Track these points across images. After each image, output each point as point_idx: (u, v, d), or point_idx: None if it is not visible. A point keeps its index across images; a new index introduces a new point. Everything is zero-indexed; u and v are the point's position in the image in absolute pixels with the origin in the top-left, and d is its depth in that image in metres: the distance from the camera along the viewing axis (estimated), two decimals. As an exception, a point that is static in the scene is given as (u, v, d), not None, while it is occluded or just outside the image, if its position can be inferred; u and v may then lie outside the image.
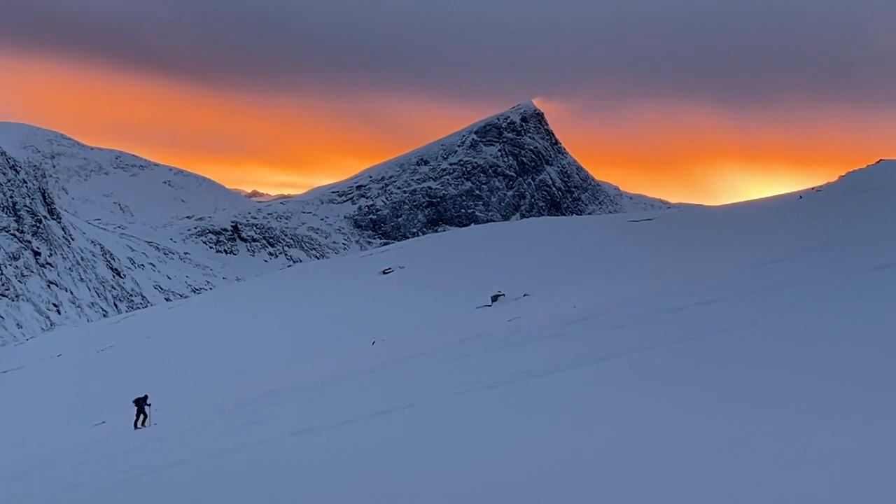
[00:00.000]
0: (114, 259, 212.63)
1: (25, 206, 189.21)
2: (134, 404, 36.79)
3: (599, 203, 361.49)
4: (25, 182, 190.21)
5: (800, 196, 71.69)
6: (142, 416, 36.28)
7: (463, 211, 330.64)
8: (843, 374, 11.96)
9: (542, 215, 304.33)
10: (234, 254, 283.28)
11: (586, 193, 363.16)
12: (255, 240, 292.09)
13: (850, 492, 7.86)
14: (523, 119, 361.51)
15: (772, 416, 10.48)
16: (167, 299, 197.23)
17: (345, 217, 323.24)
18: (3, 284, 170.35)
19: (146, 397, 36.88)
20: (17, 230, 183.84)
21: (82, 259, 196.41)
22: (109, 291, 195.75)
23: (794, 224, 53.82)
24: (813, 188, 75.96)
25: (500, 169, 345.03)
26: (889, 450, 8.55)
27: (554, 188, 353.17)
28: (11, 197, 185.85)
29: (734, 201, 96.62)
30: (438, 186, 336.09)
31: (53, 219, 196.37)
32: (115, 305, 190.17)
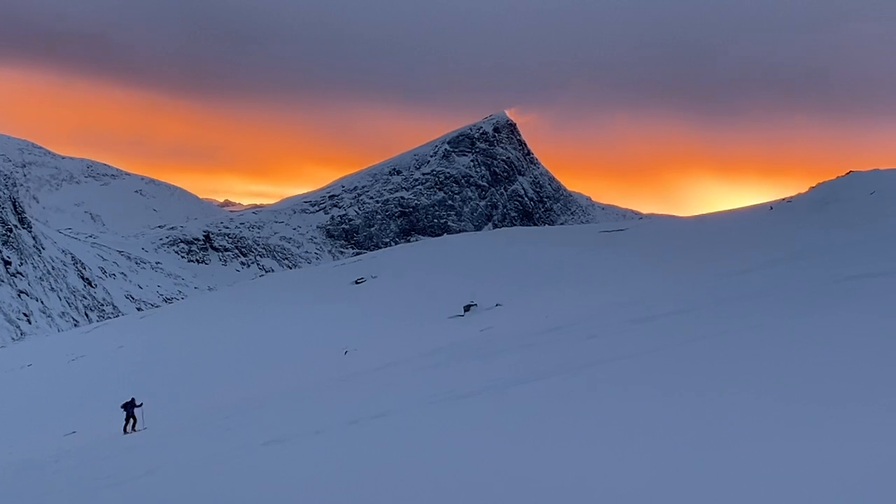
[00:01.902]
0: (85, 268, 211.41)
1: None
2: (122, 409, 36.59)
3: (571, 213, 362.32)
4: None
5: (770, 207, 72.12)
6: (132, 421, 36.10)
7: (435, 221, 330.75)
8: (813, 383, 12.06)
9: (515, 225, 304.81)
10: (206, 263, 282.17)
11: (558, 204, 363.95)
12: (227, 249, 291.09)
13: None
14: (496, 129, 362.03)
15: (744, 425, 10.55)
16: (139, 309, 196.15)
17: (317, 227, 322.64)
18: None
19: (133, 401, 36.68)
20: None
21: (53, 268, 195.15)
22: (80, 301, 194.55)
23: (765, 235, 54.14)
24: (783, 199, 76.42)
25: (472, 179, 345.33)
26: (861, 458, 8.64)
27: (526, 198, 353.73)
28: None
29: (705, 212, 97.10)
30: (411, 196, 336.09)
31: (24, 228, 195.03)
32: (87, 315, 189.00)
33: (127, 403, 36.45)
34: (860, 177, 70.47)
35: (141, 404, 36.92)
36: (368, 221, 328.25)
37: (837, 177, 75.20)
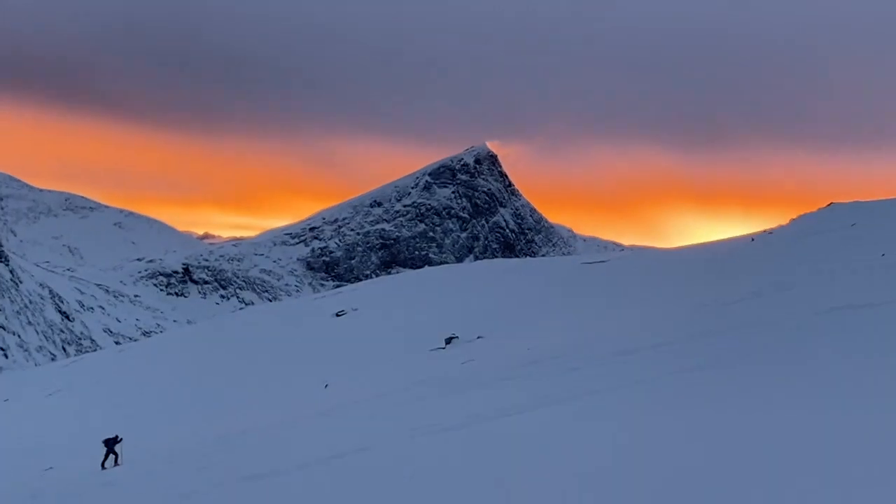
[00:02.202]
0: (63, 302, 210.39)
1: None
2: (104, 444, 36.34)
3: (553, 245, 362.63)
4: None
5: (752, 238, 72.32)
6: (111, 456, 35.85)
7: (417, 253, 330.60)
8: (795, 416, 12.08)
9: (496, 257, 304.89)
10: (186, 296, 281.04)
11: (540, 235, 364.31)
12: (206, 282, 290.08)
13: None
14: (477, 161, 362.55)
15: (728, 458, 10.55)
16: (117, 342, 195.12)
17: (298, 259, 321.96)
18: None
19: (117, 437, 36.43)
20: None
21: (31, 302, 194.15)
22: (58, 335, 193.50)
23: (747, 266, 54.29)
24: (765, 231, 76.68)
25: (453, 211, 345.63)
26: (847, 485, 8.64)
27: (508, 230, 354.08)
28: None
29: (687, 244, 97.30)
30: (392, 228, 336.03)
31: (1, 262, 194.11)
32: (64, 349, 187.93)
33: (109, 439, 36.22)
34: (841, 208, 70.86)
35: (121, 440, 36.69)
36: (349, 254, 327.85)
37: (818, 209, 75.51)
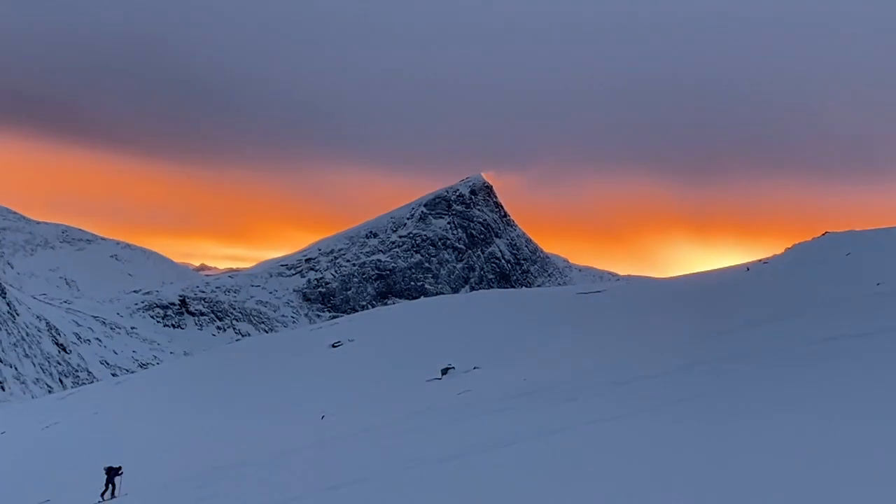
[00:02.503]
0: (59, 334, 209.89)
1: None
2: (105, 472, 36.19)
3: (549, 275, 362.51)
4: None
5: (747, 268, 72.39)
6: (110, 487, 35.71)
7: (412, 283, 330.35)
8: (790, 445, 12.07)
9: (492, 288, 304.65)
10: (182, 328, 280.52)
11: (535, 266, 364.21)
12: (203, 314, 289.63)
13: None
14: (472, 192, 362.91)
15: (726, 489, 10.54)
16: (114, 374, 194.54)
17: (294, 290, 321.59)
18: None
19: (119, 469, 36.29)
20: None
21: (27, 334, 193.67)
22: (55, 367, 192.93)
23: (742, 296, 54.33)
24: (760, 260, 76.74)
25: (449, 241, 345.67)
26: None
27: (503, 260, 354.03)
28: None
29: (683, 273, 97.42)
30: (388, 259, 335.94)
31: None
32: (61, 381, 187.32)
33: (111, 468, 36.07)
34: (836, 238, 70.95)
35: (122, 472, 36.56)
36: (345, 285, 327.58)
37: (813, 238, 75.59)
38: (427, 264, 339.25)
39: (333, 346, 74.28)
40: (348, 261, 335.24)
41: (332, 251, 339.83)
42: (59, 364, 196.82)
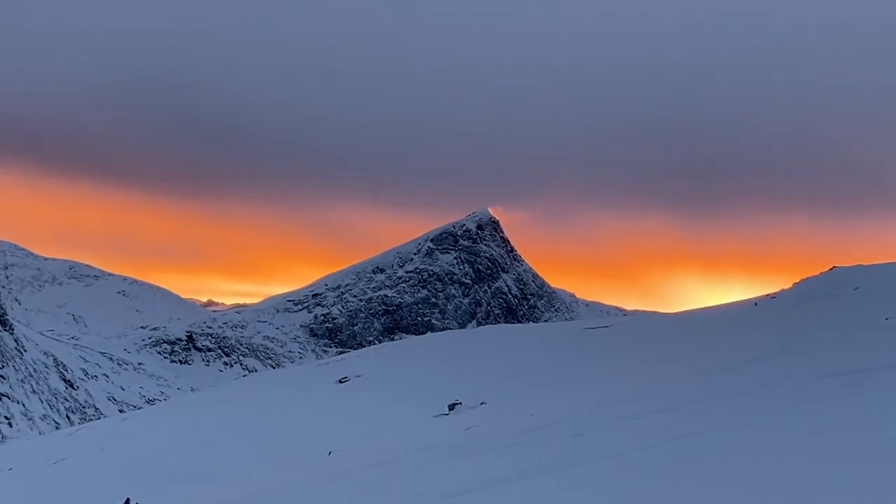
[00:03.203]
0: (67, 370, 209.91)
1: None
2: None
3: (556, 310, 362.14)
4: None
5: (754, 303, 72.18)
6: None
7: (419, 319, 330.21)
8: (798, 484, 11.98)
9: (499, 323, 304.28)
10: (189, 364, 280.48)
11: (542, 301, 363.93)
12: (210, 350, 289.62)
13: None
14: (479, 227, 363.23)
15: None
16: (121, 411, 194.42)
17: (300, 326, 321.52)
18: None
19: (127, 501, 36.04)
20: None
21: (35, 371, 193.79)
22: (62, 403, 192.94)
23: (750, 331, 54.18)
24: (767, 295, 76.50)
25: (456, 277, 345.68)
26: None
27: (510, 295, 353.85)
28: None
29: (689, 308, 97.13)
30: (394, 294, 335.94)
31: (6, 330, 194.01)
32: (68, 417, 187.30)
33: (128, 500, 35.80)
34: (844, 272, 70.72)
35: None
36: (352, 320, 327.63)
37: (821, 272, 75.35)
38: (434, 299, 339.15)
39: (340, 381, 74.10)
40: (355, 296, 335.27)
41: (338, 286, 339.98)
42: (67, 400, 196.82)
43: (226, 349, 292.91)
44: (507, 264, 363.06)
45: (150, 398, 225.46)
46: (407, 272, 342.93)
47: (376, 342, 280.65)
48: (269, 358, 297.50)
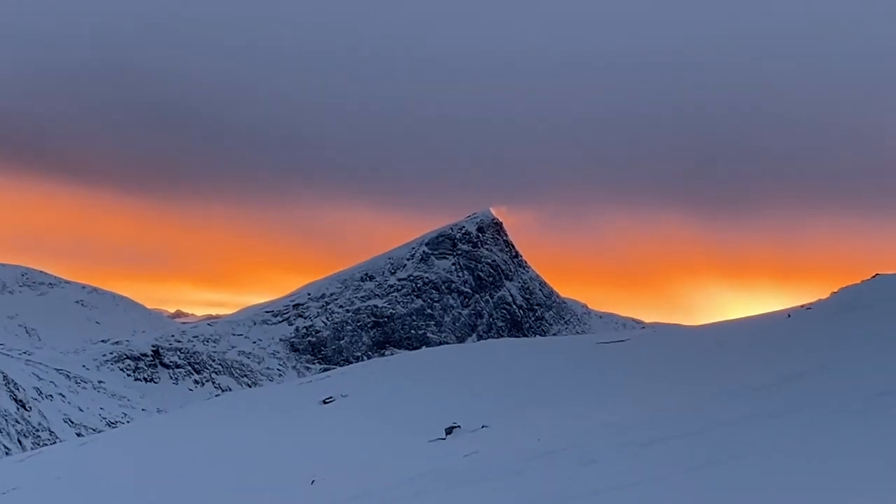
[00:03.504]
0: (18, 389, 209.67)
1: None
2: None
3: (565, 322, 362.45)
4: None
5: (788, 314, 72.26)
6: None
7: (413, 332, 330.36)
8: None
9: (502, 336, 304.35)
10: (156, 382, 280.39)
11: (550, 312, 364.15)
12: (178, 366, 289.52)
13: None
14: (480, 229, 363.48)
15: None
16: (79, 434, 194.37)
17: (280, 339, 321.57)
18: None
19: None
20: None
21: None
22: (13, 426, 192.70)
23: (782, 346, 54.24)
24: (802, 306, 76.50)
25: (454, 285, 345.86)
26: None
27: (514, 306, 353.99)
28: None
29: (715, 320, 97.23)
30: (385, 305, 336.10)
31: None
32: (20, 442, 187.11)
33: None
34: (888, 280, 70.75)
35: None
36: (338, 333, 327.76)
37: (862, 280, 75.33)
38: (429, 310, 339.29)
39: (325, 402, 74.16)
40: (341, 306, 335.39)
41: (322, 296, 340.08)
42: (18, 423, 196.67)
43: (196, 366, 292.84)
44: (511, 271, 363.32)
45: (112, 420, 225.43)
46: (399, 280, 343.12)
47: (365, 358, 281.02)
48: (245, 375, 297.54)
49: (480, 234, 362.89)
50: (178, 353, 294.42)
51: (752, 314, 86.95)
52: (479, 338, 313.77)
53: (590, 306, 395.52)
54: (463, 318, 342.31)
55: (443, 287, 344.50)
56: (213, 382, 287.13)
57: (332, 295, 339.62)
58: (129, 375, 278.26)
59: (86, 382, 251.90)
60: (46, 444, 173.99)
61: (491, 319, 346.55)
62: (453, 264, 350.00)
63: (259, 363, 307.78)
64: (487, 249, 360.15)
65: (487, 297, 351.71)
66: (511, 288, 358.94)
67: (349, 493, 33.34)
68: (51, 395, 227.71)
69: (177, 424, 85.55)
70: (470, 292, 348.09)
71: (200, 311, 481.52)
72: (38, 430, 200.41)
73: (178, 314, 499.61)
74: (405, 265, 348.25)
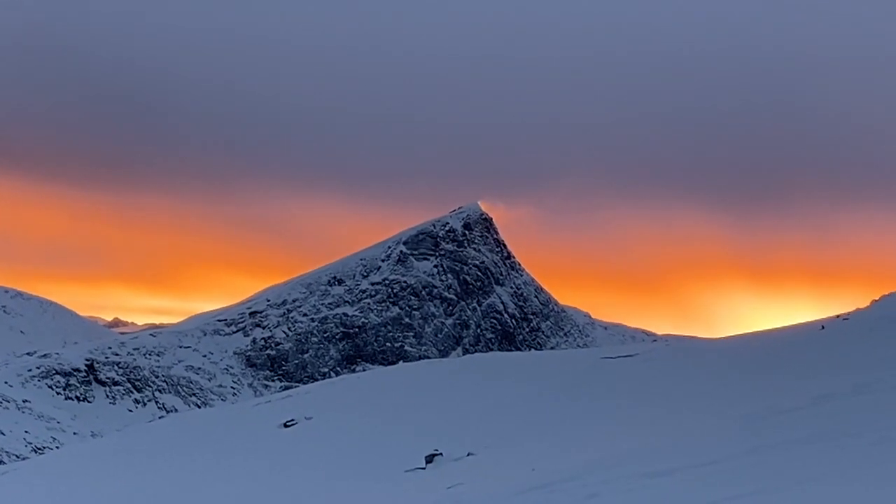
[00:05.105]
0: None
1: None
2: None
3: (565, 334, 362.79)
4: None
5: (821, 326, 72.58)
6: None
7: (388, 345, 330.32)
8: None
9: (491, 350, 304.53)
10: (89, 401, 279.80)
11: (548, 322, 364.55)
12: (116, 383, 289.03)
13: None
14: (466, 226, 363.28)
15: None
16: (0, 462, 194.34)
17: (234, 353, 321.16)
18: None
19: None
20: None
21: None
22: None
23: (816, 362, 54.50)
24: (838, 316, 76.86)
25: (436, 290, 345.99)
26: None
27: (506, 315, 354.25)
28: None
29: (737, 332, 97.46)
30: (357, 313, 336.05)
31: None
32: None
33: None
34: (936, 288, 71.12)
35: None
36: (301, 346, 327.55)
37: (908, 287, 75.67)
38: (407, 319, 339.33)
39: (286, 425, 74.27)
40: (305, 315, 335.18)
41: (284, 302, 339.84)
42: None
43: (137, 383, 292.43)
44: (502, 275, 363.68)
45: (39, 446, 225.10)
46: (373, 284, 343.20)
47: (332, 374, 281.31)
48: (194, 394, 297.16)
49: (467, 232, 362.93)
50: (116, 367, 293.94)
51: (781, 325, 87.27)
52: (465, 352, 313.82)
53: (593, 316, 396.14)
54: (446, 329, 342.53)
55: (423, 293, 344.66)
56: (157, 402, 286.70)
57: (294, 301, 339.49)
58: (58, 394, 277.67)
59: (8, 402, 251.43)
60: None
61: (479, 330, 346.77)
62: (435, 266, 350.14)
63: (210, 380, 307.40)
64: (475, 249, 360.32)
65: (475, 304, 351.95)
66: (502, 294, 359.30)
67: (313, 532, 33.38)
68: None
69: (113, 451, 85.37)
70: (454, 299, 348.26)
71: (142, 320, 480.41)
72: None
73: (116, 323, 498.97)
74: (380, 267, 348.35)
